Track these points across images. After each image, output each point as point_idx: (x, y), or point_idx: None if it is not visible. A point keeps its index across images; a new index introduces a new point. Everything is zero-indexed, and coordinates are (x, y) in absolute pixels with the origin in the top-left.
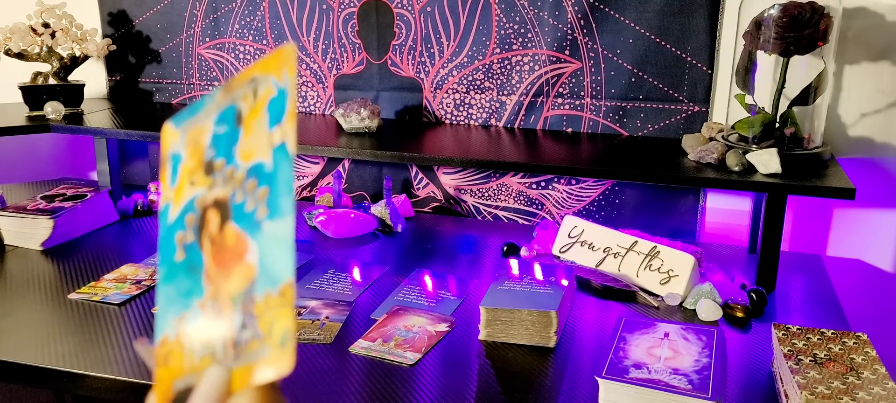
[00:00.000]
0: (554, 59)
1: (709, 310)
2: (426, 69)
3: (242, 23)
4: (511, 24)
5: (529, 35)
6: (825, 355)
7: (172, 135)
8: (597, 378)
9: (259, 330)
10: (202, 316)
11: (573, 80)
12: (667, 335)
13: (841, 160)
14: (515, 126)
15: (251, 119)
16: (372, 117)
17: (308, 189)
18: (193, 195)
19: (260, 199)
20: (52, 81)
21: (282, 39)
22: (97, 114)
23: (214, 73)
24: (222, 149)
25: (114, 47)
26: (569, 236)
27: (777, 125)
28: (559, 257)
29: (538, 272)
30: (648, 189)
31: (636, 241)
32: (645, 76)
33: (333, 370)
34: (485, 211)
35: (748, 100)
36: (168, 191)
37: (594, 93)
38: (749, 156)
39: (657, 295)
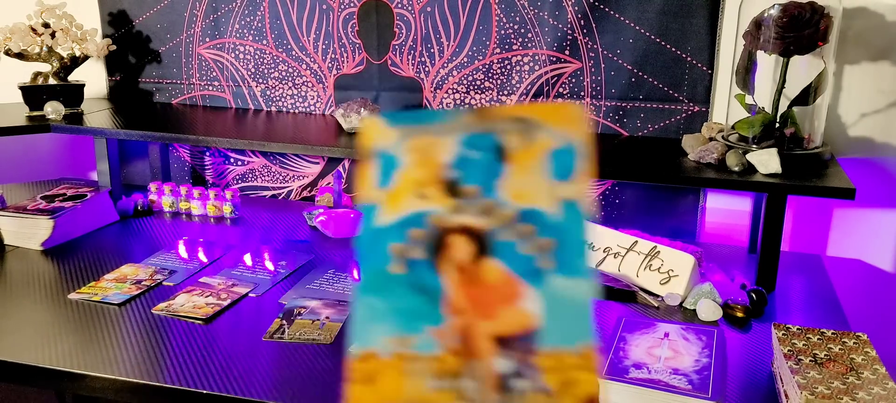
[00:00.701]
0: (554, 59)
1: (709, 310)
2: (426, 69)
3: (242, 23)
4: (511, 25)
5: (529, 35)
6: (825, 355)
7: (384, 133)
8: None
9: (544, 384)
10: (440, 345)
11: (573, 80)
12: (667, 335)
13: (841, 160)
14: None
15: (523, 160)
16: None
17: (308, 189)
18: (424, 209)
19: (543, 249)
20: (52, 81)
21: (282, 39)
22: (97, 114)
23: (214, 73)
24: (476, 176)
25: (114, 47)
26: None
27: (777, 125)
28: None
29: None
30: (648, 189)
31: (636, 241)
32: (645, 76)
33: (333, 370)
34: None
35: (748, 100)
36: (375, 192)
37: (594, 93)
38: (749, 156)
39: (657, 295)
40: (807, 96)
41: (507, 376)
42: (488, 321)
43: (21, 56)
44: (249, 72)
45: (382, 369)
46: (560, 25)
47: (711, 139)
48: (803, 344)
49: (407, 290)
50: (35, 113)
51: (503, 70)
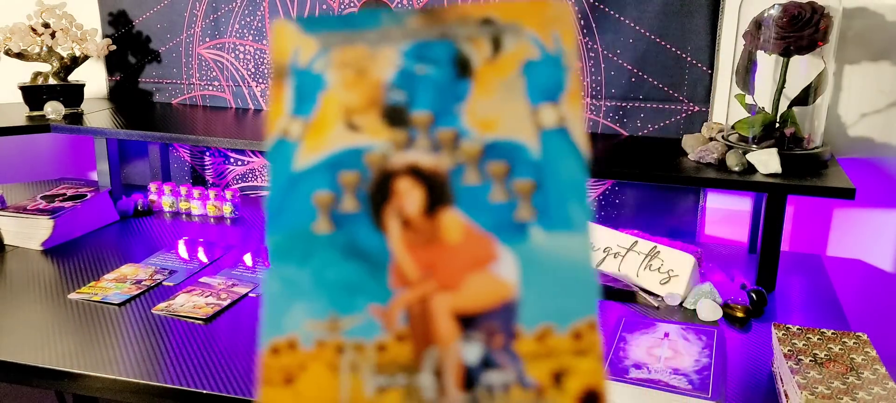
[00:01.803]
0: None
1: (709, 310)
2: None
3: (242, 23)
4: None
5: None
6: (825, 355)
7: (302, 42)
8: None
9: (528, 376)
10: (385, 328)
11: None
12: (667, 335)
13: (841, 160)
14: None
15: (490, 74)
16: None
17: None
18: (358, 145)
19: (521, 194)
20: (52, 81)
21: None
22: (97, 114)
23: (214, 73)
24: (428, 98)
25: (114, 47)
26: None
27: (777, 125)
28: None
29: None
30: (648, 189)
31: (636, 241)
32: (645, 76)
33: None
34: None
35: (748, 100)
36: (289, 122)
37: (594, 93)
38: (749, 156)
39: (657, 295)
40: (807, 96)
41: (477, 367)
42: (449, 293)
43: (21, 56)
44: (249, 73)
45: (305, 363)
46: None
47: (711, 139)
48: (803, 344)
49: (337, 256)
50: (35, 113)
51: None
